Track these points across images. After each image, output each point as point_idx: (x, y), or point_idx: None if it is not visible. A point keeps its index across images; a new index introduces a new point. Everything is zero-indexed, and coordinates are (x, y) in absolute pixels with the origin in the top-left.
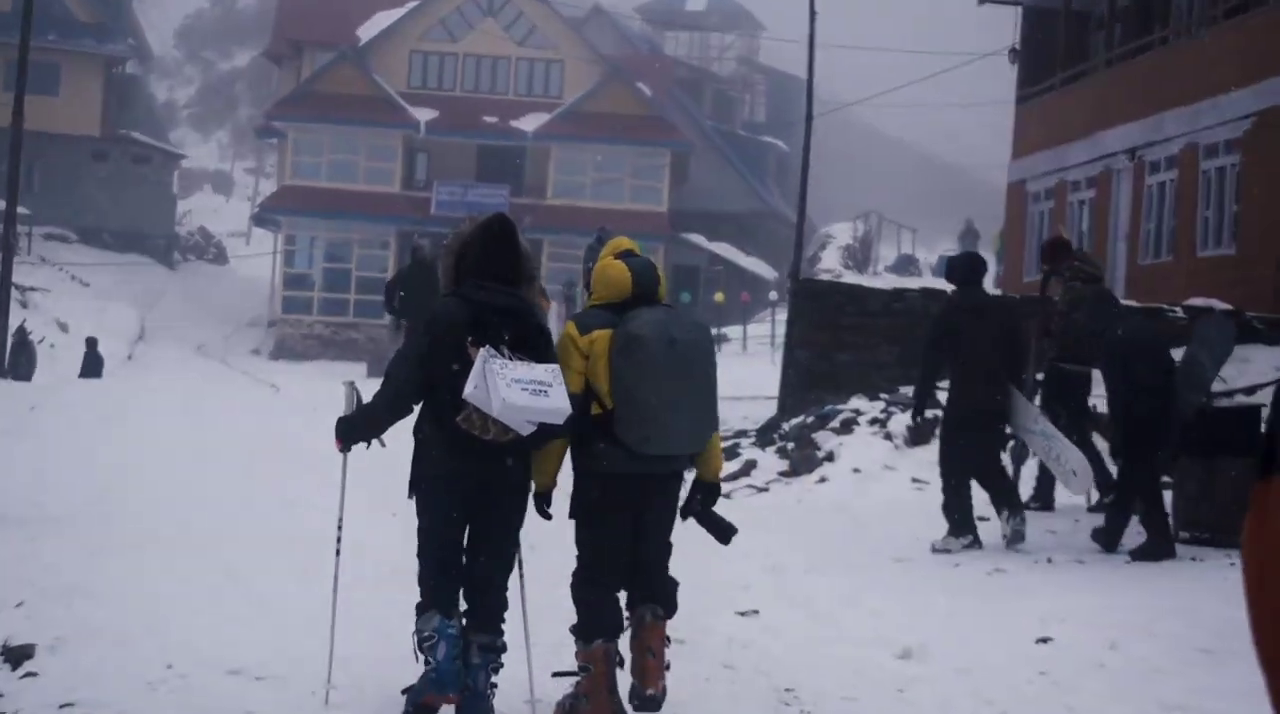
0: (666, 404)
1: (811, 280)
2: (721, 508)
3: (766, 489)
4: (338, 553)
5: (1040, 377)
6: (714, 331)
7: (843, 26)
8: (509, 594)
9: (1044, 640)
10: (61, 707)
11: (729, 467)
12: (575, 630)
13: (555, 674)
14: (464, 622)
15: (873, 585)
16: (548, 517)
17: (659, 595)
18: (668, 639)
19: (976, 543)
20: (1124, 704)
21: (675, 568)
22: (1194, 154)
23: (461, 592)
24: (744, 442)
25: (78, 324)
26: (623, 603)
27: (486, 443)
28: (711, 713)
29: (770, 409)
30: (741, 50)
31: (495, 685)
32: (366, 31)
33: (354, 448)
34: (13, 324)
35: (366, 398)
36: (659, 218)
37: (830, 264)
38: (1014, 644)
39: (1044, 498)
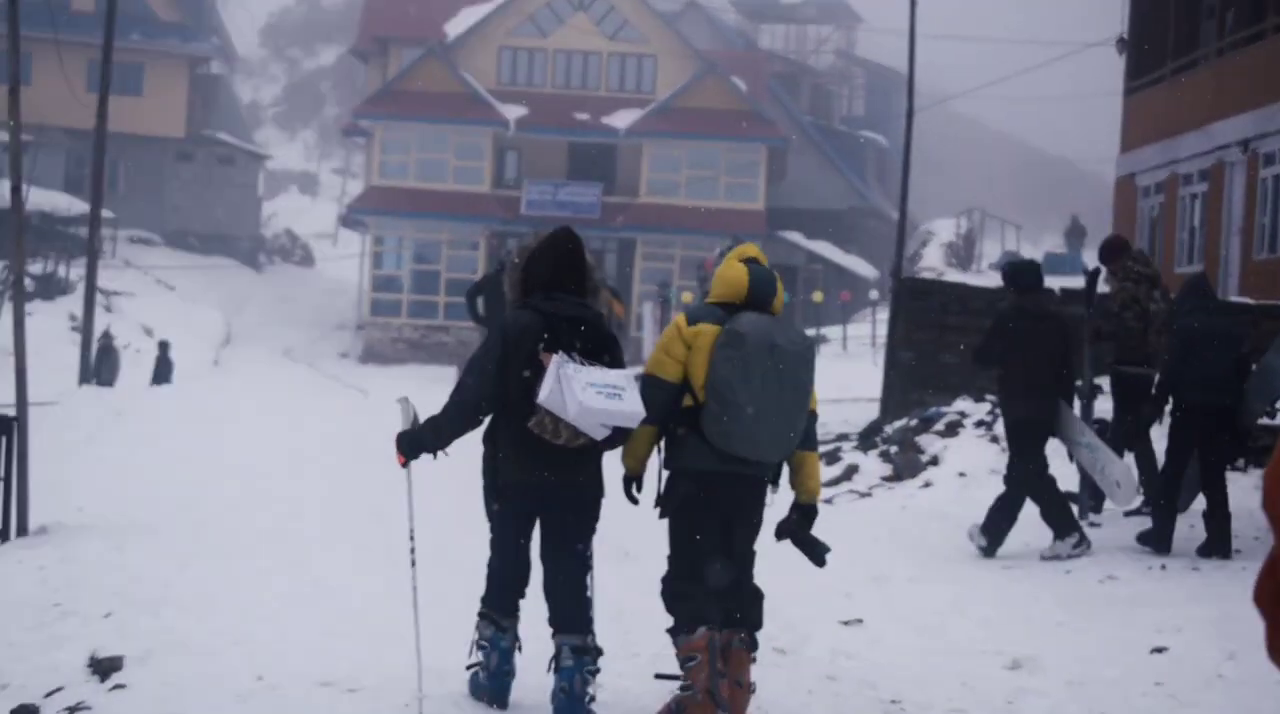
0: (755, 406)
1: (913, 279)
2: (824, 514)
3: (869, 494)
4: (413, 564)
5: (1095, 381)
6: (813, 332)
7: (943, 17)
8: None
9: (1159, 651)
10: None
11: (831, 472)
12: (673, 629)
13: (658, 676)
14: (550, 627)
15: (980, 594)
16: (635, 501)
17: (745, 616)
18: (754, 658)
19: (1084, 542)
20: None
21: (774, 574)
22: None
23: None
24: (845, 446)
25: (163, 328)
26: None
27: (557, 450)
28: None
29: (872, 412)
30: (839, 43)
31: (594, 696)
32: (454, 28)
33: (420, 459)
34: (98, 329)
35: (422, 414)
36: (755, 216)
37: (932, 262)
38: (1128, 655)
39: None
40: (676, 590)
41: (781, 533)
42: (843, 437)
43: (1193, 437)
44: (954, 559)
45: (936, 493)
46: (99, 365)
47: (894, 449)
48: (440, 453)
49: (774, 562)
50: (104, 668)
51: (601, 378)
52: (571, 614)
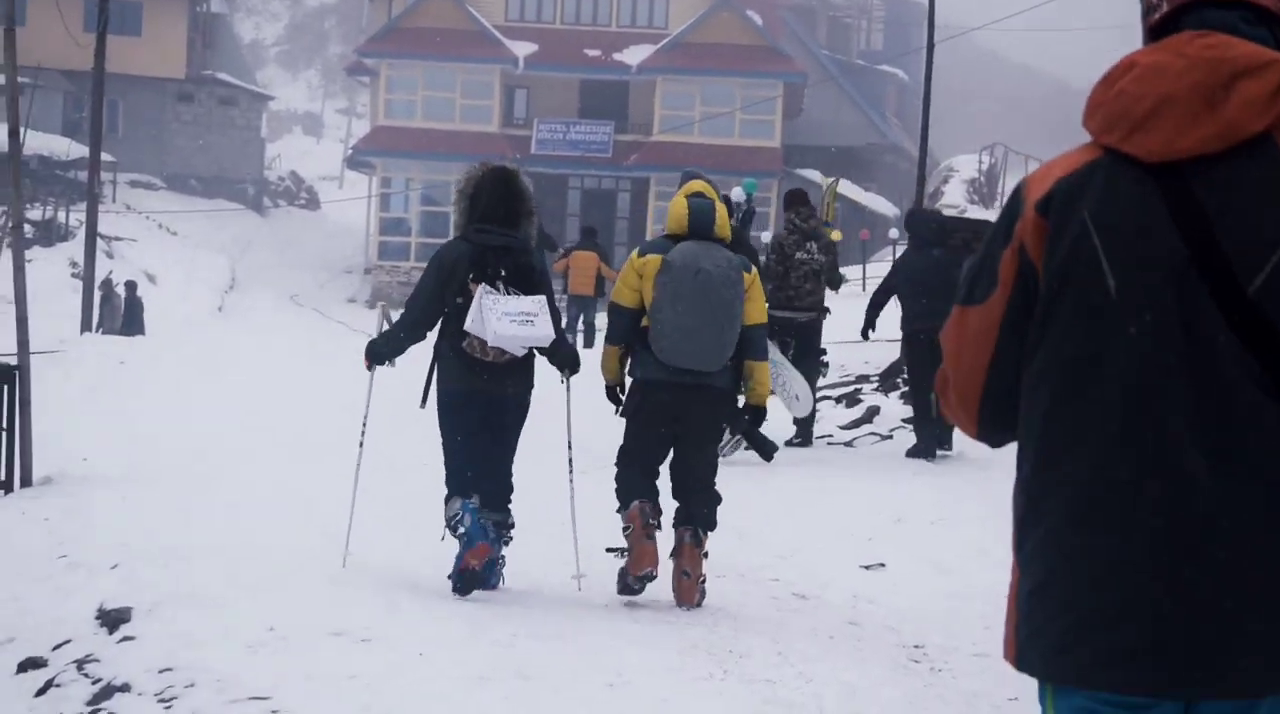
0: (683, 323)
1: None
2: (845, 456)
3: (890, 436)
4: (361, 445)
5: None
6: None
7: None
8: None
9: None
10: (160, 671)
11: (851, 414)
12: (619, 508)
13: (608, 550)
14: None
15: (1001, 537)
16: (618, 403)
17: (696, 516)
18: (705, 554)
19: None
20: None
21: (795, 521)
22: None
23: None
24: (865, 387)
25: (166, 274)
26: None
27: (487, 364)
28: (837, 672)
29: (893, 352)
30: None
31: (503, 557)
32: None
33: (380, 367)
34: (99, 275)
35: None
36: (772, 153)
37: (954, 199)
38: None
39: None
40: (619, 475)
41: (735, 430)
42: (863, 378)
43: (925, 358)
44: (975, 501)
45: (957, 433)
46: (101, 313)
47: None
48: (388, 364)
49: (796, 508)
50: (112, 619)
51: (516, 307)
52: (496, 495)
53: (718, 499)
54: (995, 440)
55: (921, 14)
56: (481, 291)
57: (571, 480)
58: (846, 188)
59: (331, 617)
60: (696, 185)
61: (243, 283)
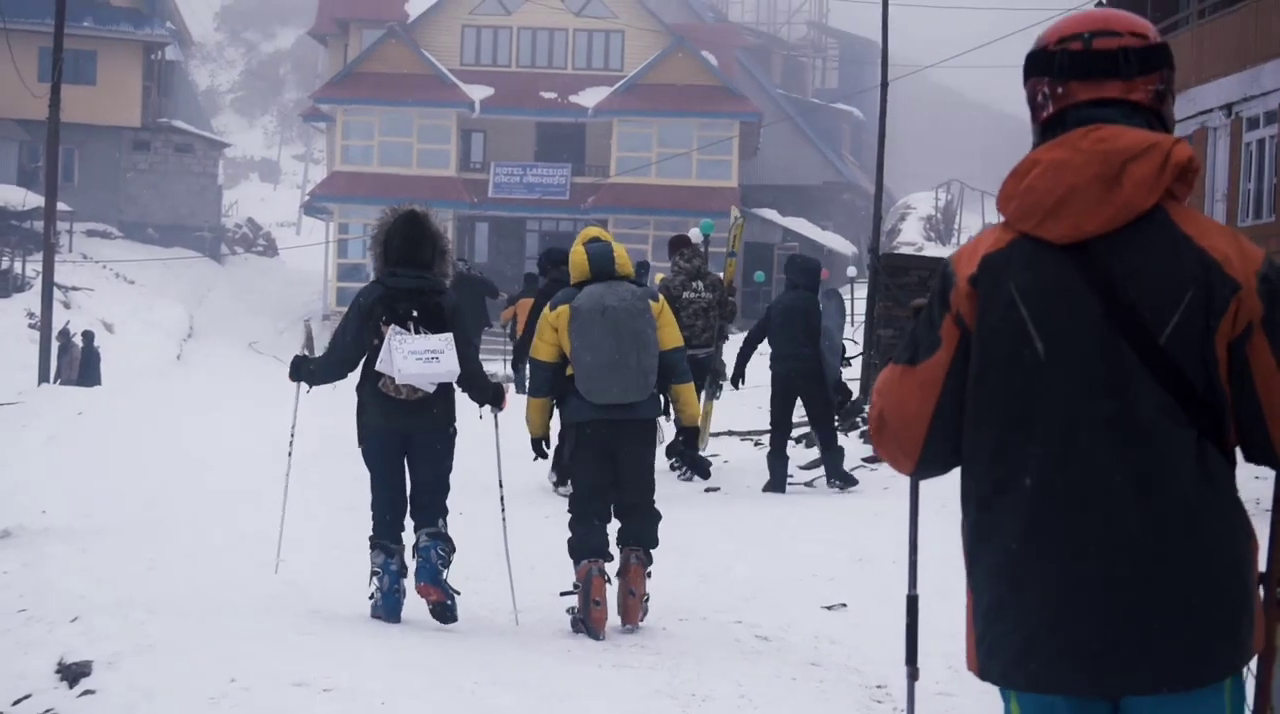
0: (602, 361)
1: (892, 254)
2: (805, 497)
3: (851, 476)
4: (289, 454)
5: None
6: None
7: None
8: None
9: None
10: None
11: (812, 454)
12: (570, 555)
13: (562, 594)
14: (414, 521)
15: (964, 577)
16: (545, 456)
17: (641, 537)
18: (649, 573)
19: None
20: None
21: (757, 561)
22: None
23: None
24: None
25: (124, 323)
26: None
27: (403, 402)
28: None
29: (852, 392)
30: (811, 14)
31: (445, 559)
32: (415, 7)
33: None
34: (57, 326)
35: (317, 332)
36: (729, 193)
37: (911, 237)
38: None
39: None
40: (572, 526)
41: (671, 451)
42: None
43: (788, 397)
44: (937, 541)
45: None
46: (59, 363)
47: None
48: (310, 388)
49: (758, 549)
50: (72, 673)
51: (422, 345)
52: (428, 511)
53: (658, 517)
54: (925, 475)
55: (876, 52)
56: (391, 332)
57: (504, 517)
58: (803, 226)
59: (293, 666)
60: (592, 232)
61: (201, 331)
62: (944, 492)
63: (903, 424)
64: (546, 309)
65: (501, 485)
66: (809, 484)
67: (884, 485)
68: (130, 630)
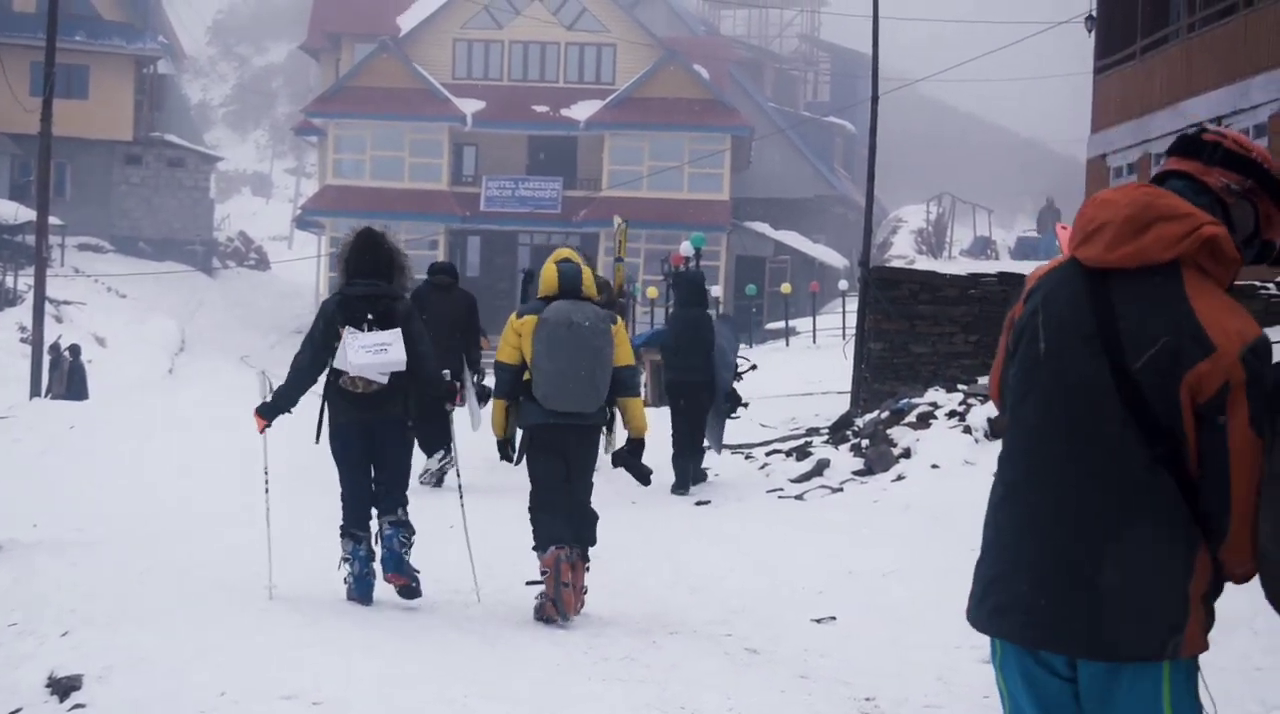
0: (560, 371)
1: (883, 267)
2: (795, 510)
3: (841, 489)
4: (266, 490)
5: None
6: (780, 325)
7: None
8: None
9: None
10: None
11: (801, 467)
12: (534, 546)
13: (528, 583)
14: (376, 512)
15: (956, 588)
16: (508, 458)
17: (580, 535)
18: (587, 568)
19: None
20: None
21: (745, 574)
22: None
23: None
24: (816, 440)
25: (115, 337)
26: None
27: (361, 396)
28: None
29: (843, 405)
30: (803, 27)
31: (406, 545)
32: (407, 21)
33: (274, 423)
34: (48, 340)
35: (274, 383)
36: (720, 207)
37: (902, 249)
38: None
39: None
40: (535, 519)
41: (617, 461)
42: (813, 431)
43: (681, 405)
44: (928, 553)
45: (909, 486)
46: (50, 378)
47: (865, 442)
48: (291, 411)
49: (747, 562)
50: (63, 687)
51: (373, 340)
52: (390, 500)
53: (595, 517)
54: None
55: (867, 66)
56: (347, 332)
57: (462, 504)
58: (795, 240)
59: (283, 680)
60: (564, 252)
61: (193, 345)
62: (935, 507)
63: (992, 389)
64: (513, 317)
65: (459, 475)
66: (799, 497)
67: (873, 499)
68: (121, 644)
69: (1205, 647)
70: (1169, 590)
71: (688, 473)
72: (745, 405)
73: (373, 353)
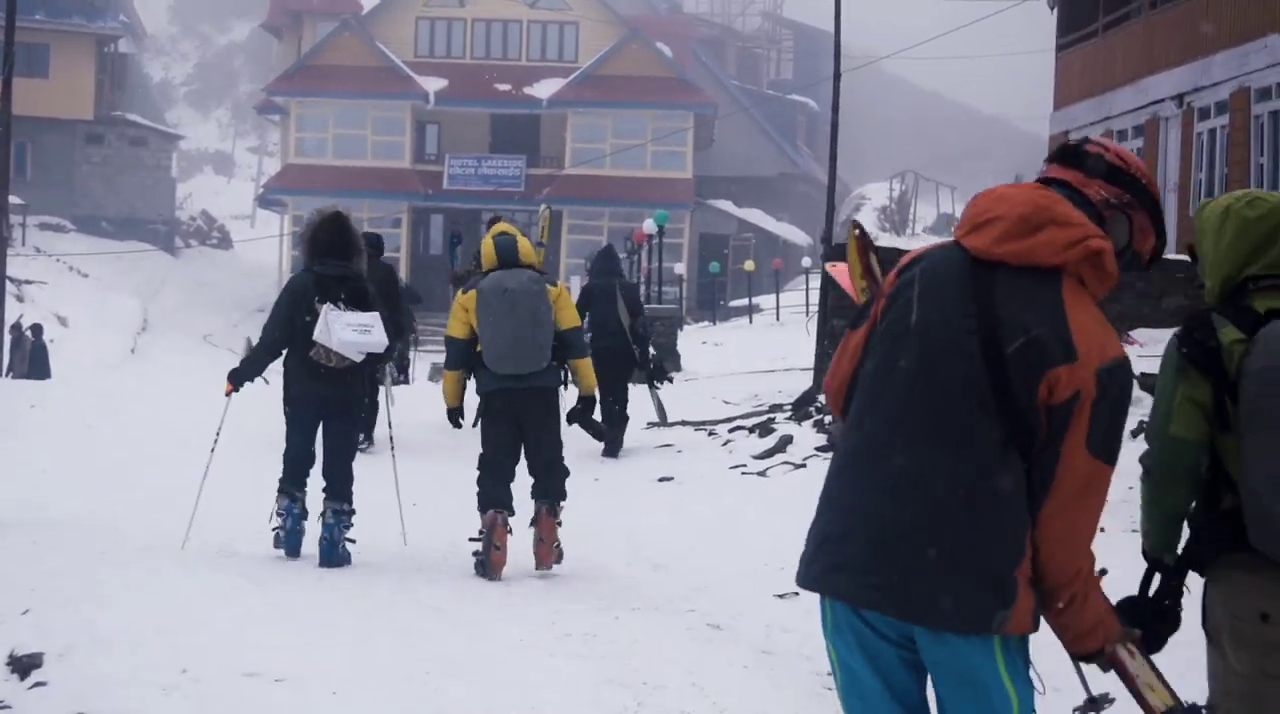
0: (501, 336)
1: (845, 245)
2: (758, 486)
3: (804, 465)
4: (213, 450)
5: None
6: (744, 302)
7: None
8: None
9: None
10: None
11: (764, 444)
12: (478, 506)
13: (470, 539)
14: (324, 494)
15: None
16: (458, 426)
17: (550, 490)
18: (559, 522)
19: None
20: None
21: (709, 551)
22: (1245, 98)
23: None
24: (779, 416)
25: (78, 317)
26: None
27: (329, 370)
28: (750, 702)
29: (806, 381)
30: (766, 5)
31: (350, 539)
32: None
33: (243, 388)
34: (9, 319)
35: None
36: (684, 184)
37: (866, 227)
38: None
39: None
40: (479, 480)
41: (571, 418)
42: (776, 407)
43: (605, 371)
44: None
45: None
46: (12, 358)
47: (828, 419)
48: (260, 380)
49: (710, 538)
50: (23, 666)
51: (356, 319)
52: (338, 485)
53: (566, 473)
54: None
55: (830, 43)
56: (327, 309)
57: (394, 459)
58: (758, 217)
59: (244, 657)
60: (501, 226)
61: (155, 324)
62: None
63: (835, 378)
64: (460, 292)
65: (392, 441)
66: (762, 474)
67: None
68: (82, 622)
69: (1033, 628)
70: (999, 567)
71: (617, 439)
72: (669, 378)
73: (358, 332)
